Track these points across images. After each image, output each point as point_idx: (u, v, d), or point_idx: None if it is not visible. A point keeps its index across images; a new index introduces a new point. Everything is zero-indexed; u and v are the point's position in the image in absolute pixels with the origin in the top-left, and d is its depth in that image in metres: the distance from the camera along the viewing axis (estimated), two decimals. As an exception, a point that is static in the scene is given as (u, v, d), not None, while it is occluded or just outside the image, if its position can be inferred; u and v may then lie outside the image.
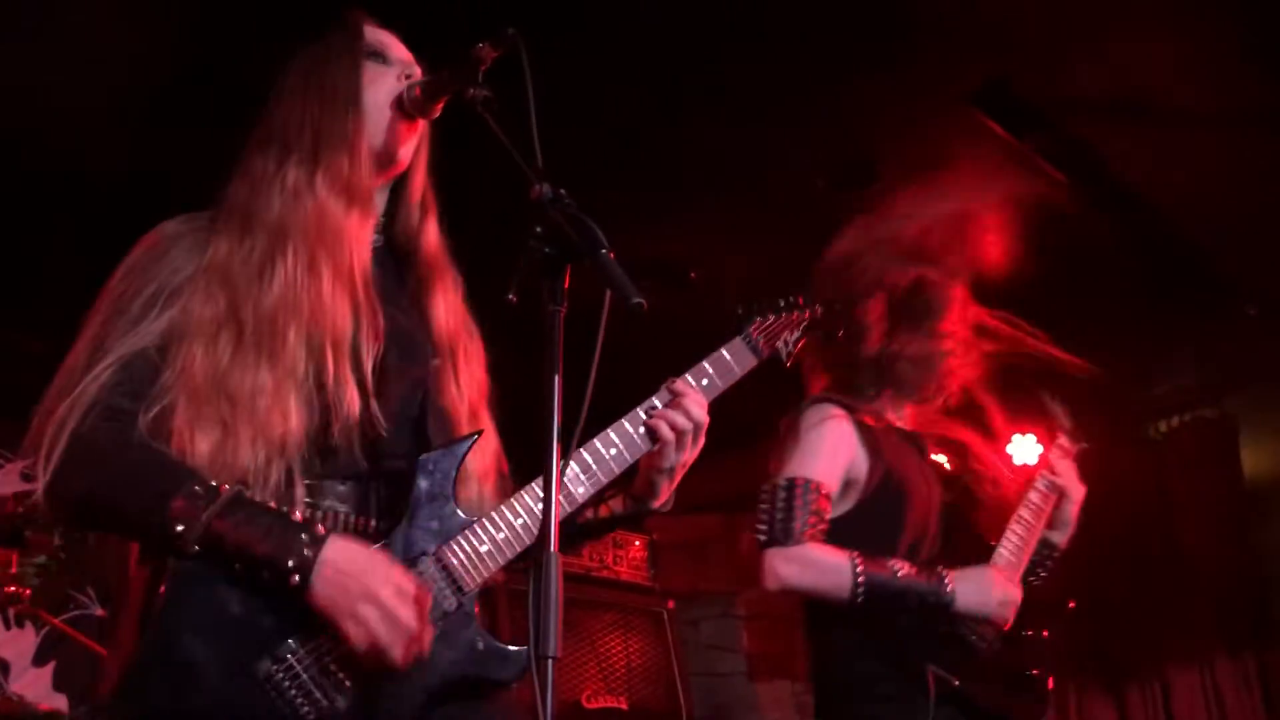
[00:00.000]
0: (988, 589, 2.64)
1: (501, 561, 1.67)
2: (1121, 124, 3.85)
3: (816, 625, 2.77)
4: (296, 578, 1.50)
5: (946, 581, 2.60)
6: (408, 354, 1.78)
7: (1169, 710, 5.31)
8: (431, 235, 1.91)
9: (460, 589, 1.64)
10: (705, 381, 1.92)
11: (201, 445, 1.57)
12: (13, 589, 3.15)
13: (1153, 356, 5.39)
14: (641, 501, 1.89)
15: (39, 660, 4.38)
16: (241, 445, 1.57)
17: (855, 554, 2.57)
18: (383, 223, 1.89)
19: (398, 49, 1.90)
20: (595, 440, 1.78)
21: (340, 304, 1.67)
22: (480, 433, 1.77)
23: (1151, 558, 5.51)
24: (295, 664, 1.53)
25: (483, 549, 1.66)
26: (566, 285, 1.47)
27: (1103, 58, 3.56)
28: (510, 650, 1.65)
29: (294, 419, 1.59)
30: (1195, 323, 5.06)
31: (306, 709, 1.52)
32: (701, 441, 1.84)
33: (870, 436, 2.77)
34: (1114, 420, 5.75)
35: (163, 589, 1.51)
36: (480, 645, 1.64)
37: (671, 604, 5.20)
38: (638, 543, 5.30)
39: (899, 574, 2.58)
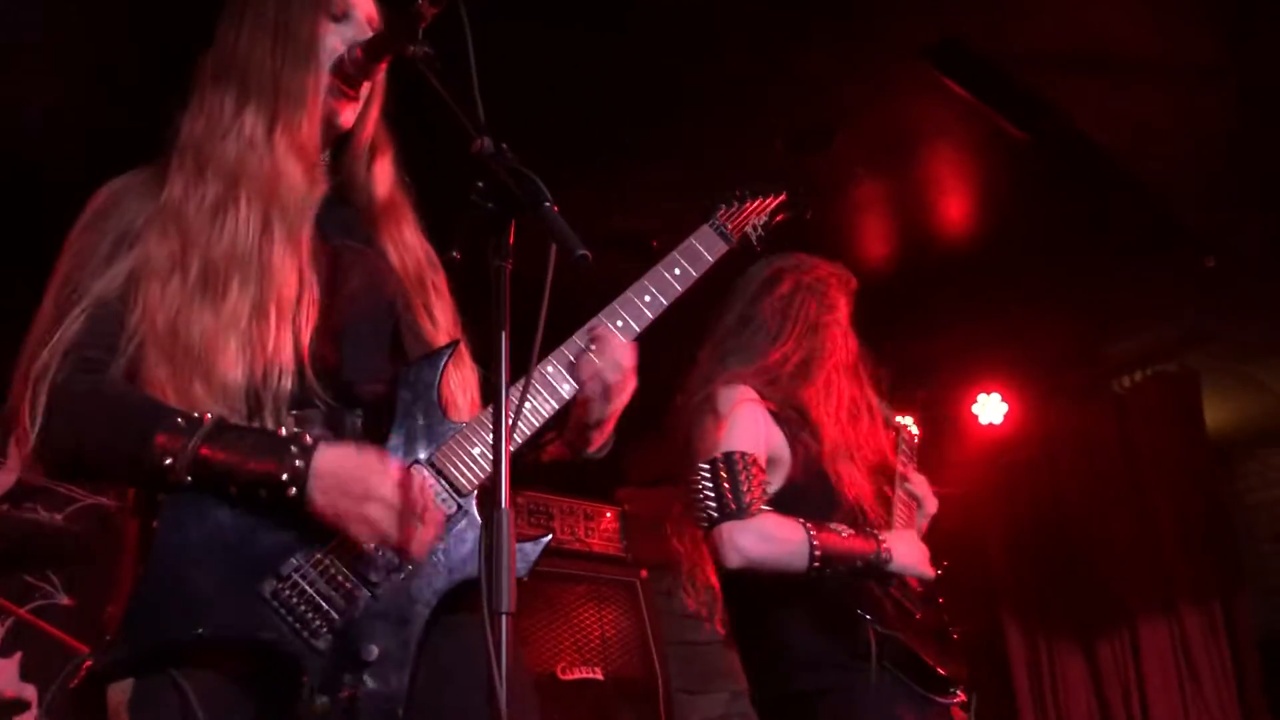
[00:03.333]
0: (916, 546, 2.71)
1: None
2: (1079, 77, 3.85)
3: (751, 601, 2.73)
4: (293, 489, 1.50)
5: (882, 540, 2.63)
6: (370, 281, 1.78)
7: (1138, 660, 5.39)
8: (383, 175, 1.90)
9: (458, 491, 1.64)
10: (678, 271, 1.93)
11: (168, 389, 1.57)
12: (-31, 577, 3.11)
13: (1114, 312, 5.42)
14: (577, 449, 1.88)
15: (4, 651, 4.33)
16: (195, 387, 1.57)
17: (805, 521, 2.56)
18: (329, 165, 1.87)
19: (363, 6, 1.87)
20: (573, 336, 1.79)
21: (288, 269, 1.66)
22: (458, 342, 1.77)
23: (1117, 511, 5.58)
24: (299, 579, 1.53)
25: (474, 450, 1.66)
26: (511, 240, 1.45)
27: (1059, 10, 3.55)
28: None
29: (238, 367, 1.59)
30: (1156, 277, 5.09)
31: (318, 622, 1.51)
32: (631, 386, 1.80)
33: (784, 416, 2.77)
34: (1077, 376, 5.80)
35: (155, 523, 1.50)
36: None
37: (645, 573, 5.21)
38: (609, 514, 5.30)
39: (844, 537, 2.59)
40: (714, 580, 2.79)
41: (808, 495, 2.69)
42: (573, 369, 1.77)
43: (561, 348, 1.79)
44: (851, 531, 2.61)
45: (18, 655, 4.35)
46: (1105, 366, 5.83)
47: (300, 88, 1.76)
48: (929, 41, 3.67)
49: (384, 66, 1.84)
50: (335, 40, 1.81)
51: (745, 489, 2.55)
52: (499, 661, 1.25)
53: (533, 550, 1.67)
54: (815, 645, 2.61)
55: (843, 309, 2.97)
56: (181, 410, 1.54)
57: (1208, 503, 5.55)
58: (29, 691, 3.96)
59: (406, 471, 1.57)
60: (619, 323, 1.84)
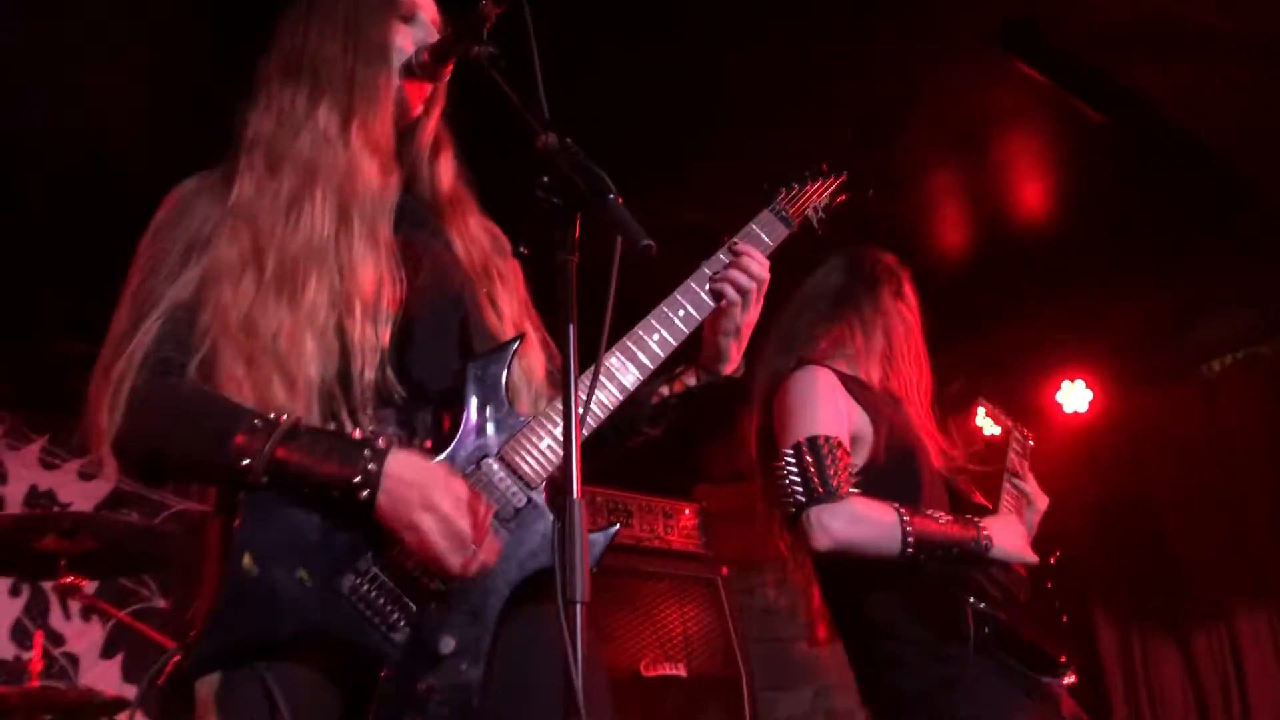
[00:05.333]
0: (1019, 533, 2.66)
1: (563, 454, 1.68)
2: (1153, 56, 3.76)
3: (847, 591, 2.70)
4: (365, 492, 1.52)
5: (982, 528, 2.58)
6: (438, 276, 1.80)
7: (1237, 655, 5.22)
8: (446, 170, 1.93)
9: (528, 485, 1.65)
10: None
11: (245, 386, 1.59)
12: (70, 579, 3.22)
13: (1201, 294, 5.27)
14: (712, 370, 1.93)
15: (107, 653, 4.49)
16: (272, 385, 1.59)
17: (898, 505, 2.52)
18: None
19: (428, 9, 1.90)
20: (636, 328, 1.81)
21: (367, 264, 1.69)
22: (523, 335, 1.79)
23: (1207, 499, 5.42)
24: (379, 573, 1.55)
25: (543, 444, 1.67)
26: (578, 234, 1.47)
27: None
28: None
29: (313, 364, 1.61)
30: (1245, 258, 4.94)
31: (395, 616, 1.54)
32: (761, 302, 1.90)
33: (864, 395, 2.75)
34: (1164, 360, 5.65)
35: (236, 522, 1.53)
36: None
37: (725, 570, 5.20)
38: (688, 511, 5.30)
39: (941, 523, 2.54)
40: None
41: (891, 472, 2.66)
42: (639, 357, 1.79)
43: (626, 338, 1.80)
44: (950, 518, 2.57)
45: (119, 656, 4.51)
46: (1193, 350, 5.66)
47: (374, 84, 1.78)
48: (999, 24, 3.61)
49: (450, 68, 1.86)
50: (405, 40, 1.84)
51: (831, 472, 2.51)
52: (574, 650, 1.26)
53: (601, 540, 1.68)
54: (915, 632, 2.56)
55: (908, 293, 2.96)
56: (259, 411, 1.56)
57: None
58: (130, 691, 4.10)
59: (474, 493, 1.58)
60: (680, 313, 1.84)
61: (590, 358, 1.50)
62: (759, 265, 1.88)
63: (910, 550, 2.48)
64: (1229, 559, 5.29)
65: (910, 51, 3.72)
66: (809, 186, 2.14)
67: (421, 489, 1.53)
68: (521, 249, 1.53)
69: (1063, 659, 2.59)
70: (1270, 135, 4.18)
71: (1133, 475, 5.72)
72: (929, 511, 2.57)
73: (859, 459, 2.68)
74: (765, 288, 1.90)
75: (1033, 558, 2.66)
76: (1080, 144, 4.23)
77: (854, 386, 2.75)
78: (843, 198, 2.22)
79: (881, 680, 2.64)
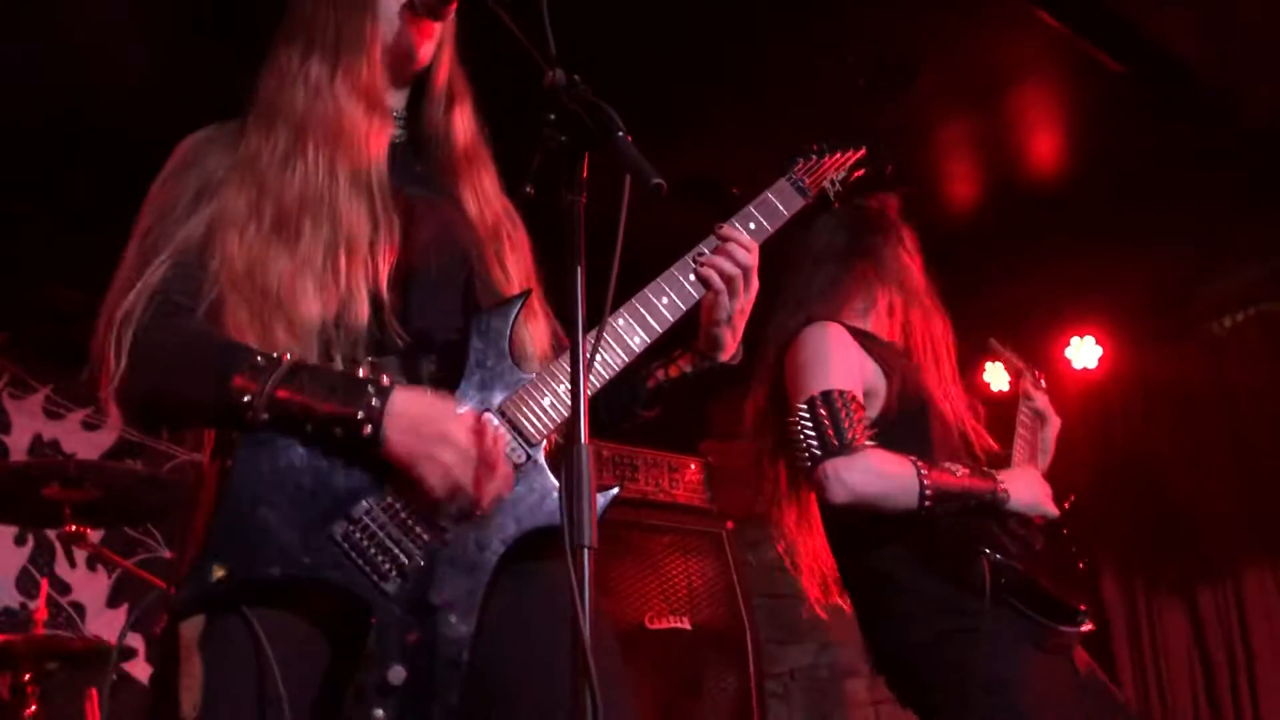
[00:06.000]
0: (1036, 484, 2.65)
1: (565, 412, 1.67)
2: (1182, 3, 3.68)
3: (856, 546, 2.69)
4: (369, 428, 1.52)
5: (1000, 480, 2.57)
6: (444, 231, 1.79)
7: (1242, 610, 5.23)
8: (461, 125, 1.91)
9: (528, 441, 1.64)
10: (753, 225, 1.92)
11: (249, 333, 1.59)
12: (74, 528, 3.21)
13: (1213, 250, 5.21)
14: (708, 357, 1.90)
15: (112, 602, 4.50)
16: (275, 330, 1.59)
17: (914, 458, 2.50)
18: (405, 117, 1.90)
19: None
20: (645, 290, 1.79)
21: (357, 210, 1.69)
22: (529, 292, 1.78)
23: (1217, 456, 5.39)
24: (370, 522, 1.54)
25: (544, 401, 1.67)
26: (585, 174, 1.43)
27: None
28: None
29: (314, 306, 1.61)
30: (1258, 214, 4.88)
31: (387, 565, 1.53)
32: (755, 286, 1.86)
33: (875, 348, 2.73)
34: (1174, 317, 5.61)
35: (229, 463, 1.52)
36: (555, 495, 1.64)
37: (730, 524, 5.20)
38: (693, 466, 5.30)
39: (959, 475, 2.53)
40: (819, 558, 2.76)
41: (904, 425, 2.64)
42: (646, 319, 1.76)
43: (635, 299, 1.78)
44: (966, 470, 2.56)
45: (125, 606, 4.53)
46: (1203, 307, 5.62)
47: (357, 32, 1.79)
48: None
49: (454, 5, 1.82)
50: None
51: (847, 425, 2.50)
52: (581, 595, 1.24)
53: (601, 501, 1.65)
54: (927, 585, 2.54)
55: (909, 238, 2.93)
56: (260, 351, 1.56)
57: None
58: (136, 641, 4.11)
59: (480, 421, 1.57)
60: (692, 276, 1.83)
61: (597, 309, 1.48)
62: (745, 251, 1.83)
63: (929, 503, 2.47)
64: (1236, 516, 5.28)
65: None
66: (827, 159, 2.11)
67: (433, 422, 1.53)
68: (528, 188, 1.50)
69: (1081, 607, 2.55)
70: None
71: (1141, 432, 5.70)
72: (946, 465, 2.55)
73: (872, 412, 2.66)
74: (754, 275, 1.85)
75: (1052, 510, 2.65)
76: (1097, 96, 4.15)
77: (865, 340, 2.73)
78: (860, 172, 2.19)
79: (891, 635, 2.63)
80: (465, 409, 1.59)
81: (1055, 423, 2.93)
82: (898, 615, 2.59)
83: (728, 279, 1.81)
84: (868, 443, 2.53)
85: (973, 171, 4.73)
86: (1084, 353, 5.65)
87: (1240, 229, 4.99)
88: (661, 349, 1.85)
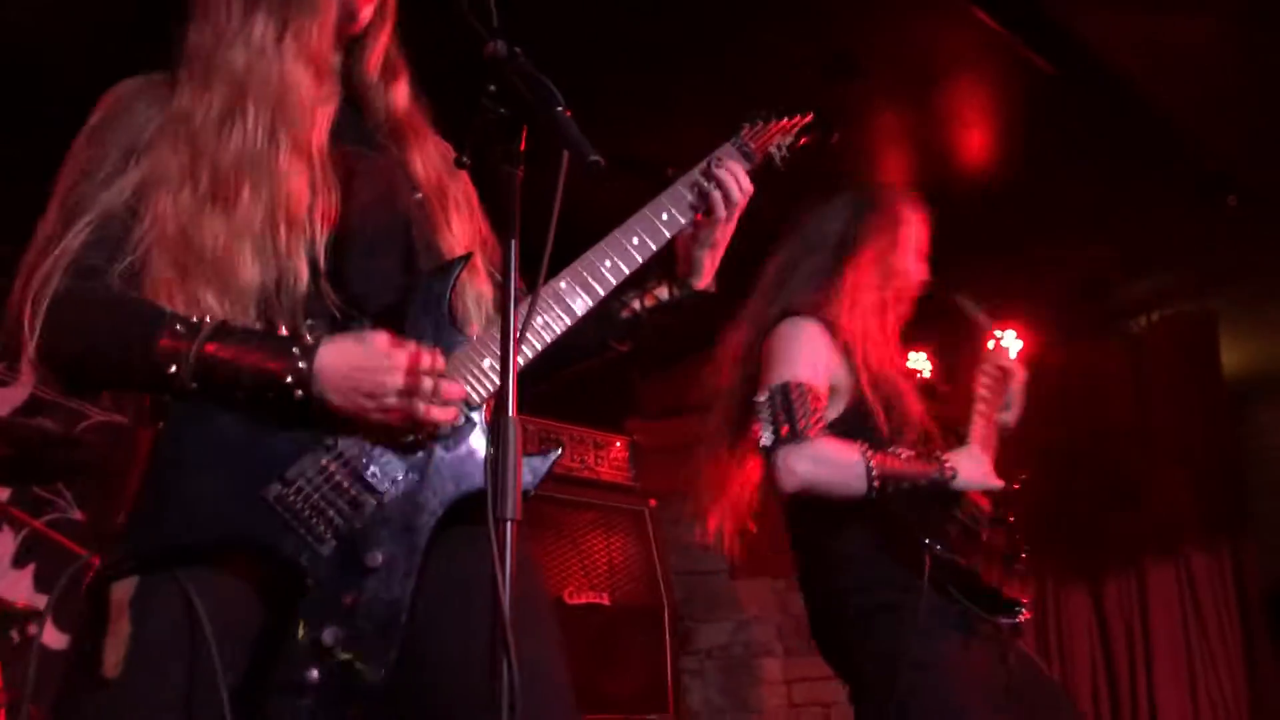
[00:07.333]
0: (981, 461, 2.73)
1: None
2: (1111, 8, 3.75)
3: (809, 530, 2.78)
4: (299, 392, 1.51)
5: (945, 460, 2.66)
6: (387, 193, 1.76)
7: (1144, 601, 5.40)
8: (399, 98, 1.88)
9: (467, 404, 1.64)
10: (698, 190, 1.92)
11: (176, 294, 1.56)
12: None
13: (1134, 250, 5.35)
14: (685, 284, 1.93)
15: (18, 562, 4.39)
16: (205, 294, 1.56)
17: (862, 445, 2.59)
18: (343, 76, 1.85)
19: None
20: (614, 231, 1.80)
21: (297, 176, 1.65)
22: (470, 256, 1.76)
23: (1128, 452, 5.55)
24: (305, 484, 1.53)
25: (484, 363, 1.65)
26: (523, 146, 1.43)
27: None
28: (524, 460, 1.60)
29: (252, 272, 1.59)
30: (1177, 216, 5.01)
31: (321, 528, 1.52)
32: (737, 218, 1.89)
33: (848, 344, 2.79)
34: (1093, 313, 5.75)
35: (161, 427, 1.51)
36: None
37: (653, 502, 5.24)
38: (618, 444, 5.32)
39: (903, 459, 2.62)
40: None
41: (871, 417, 2.71)
42: (590, 284, 1.75)
43: (577, 263, 1.77)
44: (912, 454, 2.65)
45: (31, 566, 4.41)
46: (1122, 305, 5.77)
47: None
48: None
49: None
50: None
51: (800, 414, 2.58)
52: (502, 566, 1.25)
53: (541, 464, 1.66)
54: (869, 570, 2.64)
55: (905, 234, 2.98)
56: (182, 315, 1.53)
57: (1219, 446, 5.51)
58: (42, 602, 4.02)
59: (414, 353, 1.55)
60: (634, 240, 1.81)
61: (533, 283, 1.48)
62: (747, 180, 1.89)
63: (876, 487, 2.55)
64: (1144, 512, 5.45)
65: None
66: (773, 124, 2.10)
67: (368, 374, 1.52)
68: (464, 159, 1.49)
69: (1021, 599, 2.68)
70: (1216, 97, 4.22)
71: (1056, 427, 5.84)
72: (892, 449, 2.63)
73: (836, 407, 2.75)
74: (742, 208, 1.90)
75: (997, 482, 2.73)
76: (1028, 96, 4.23)
77: (839, 335, 2.79)
78: (806, 139, 2.20)
79: (830, 605, 2.73)
80: (397, 349, 1.56)
81: (1020, 374, 3.02)
82: (839, 589, 2.70)
83: (730, 202, 1.86)
84: (823, 433, 2.61)
85: (905, 162, 4.79)
86: (1006, 346, 5.76)
87: (1159, 233, 5.13)
88: (633, 281, 1.84)
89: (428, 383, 1.54)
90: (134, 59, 1.78)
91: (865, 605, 2.63)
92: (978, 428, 2.84)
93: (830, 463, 2.57)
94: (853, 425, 2.71)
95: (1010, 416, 3.03)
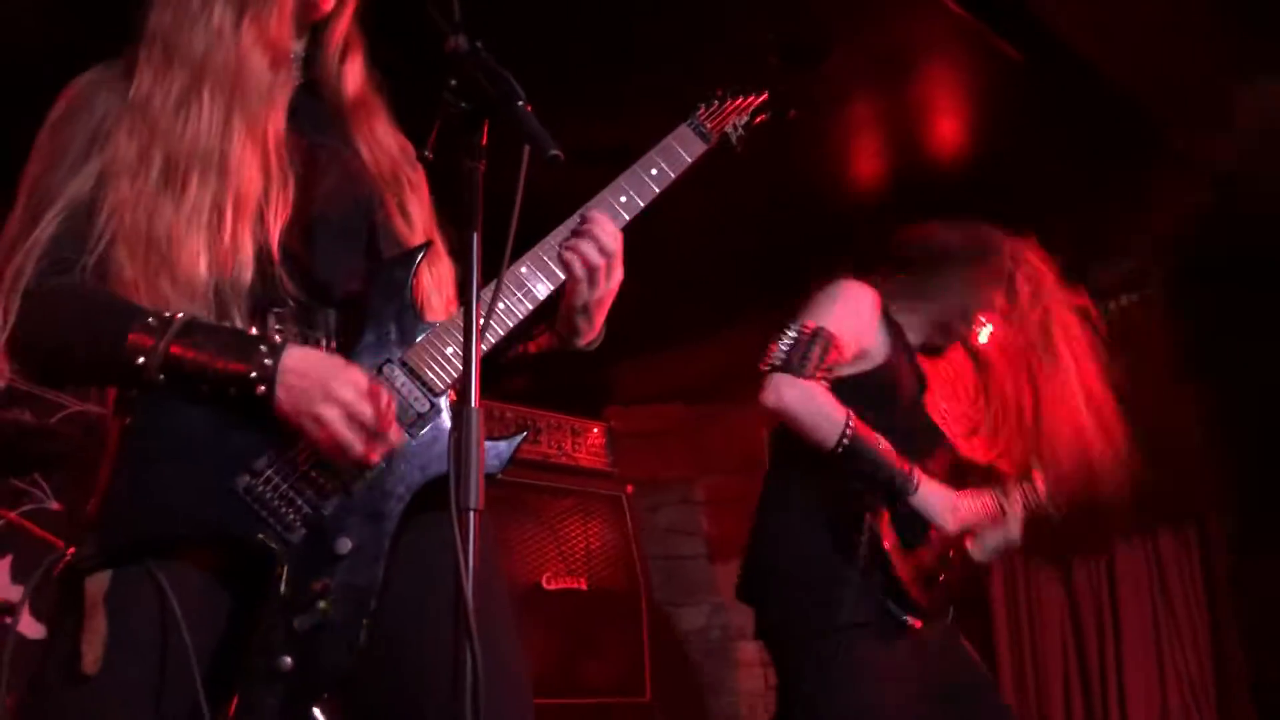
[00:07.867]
0: (950, 502, 2.78)
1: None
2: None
3: (780, 479, 2.90)
4: (262, 387, 1.52)
5: (917, 475, 2.73)
6: (345, 181, 1.78)
7: (1113, 579, 5.47)
8: (353, 76, 1.88)
9: (431, 391, 1.65)
10: (655, 171, 1.90)
11: (139, 287, 1.58)
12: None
13: (1099, 240, 5.40)
14: (567, 340, 1.86)
15: (-6, 554, 4.38)
16: (163, 284, 1.58)
17: (851, 411, 2.68)
18: (303, 63, 1.86)
19: None
20: (576, 214, 1.78)
21: (250, 164, 1.65)
22: (430, 243, 1.77)
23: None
24: (273, 474, 1.55)
25: (448, 350, 1.67)
26: (484, 141, 1.45)
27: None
28: (488, 444, 1.65)
29: (202, 262, 1.59)
30: (1142, 206, 5.07)
31: (291, 516, 1.54)
32: (618, 273, 1.78)
33: (893, 326, 2.92)
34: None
35: (129, 421, 1.52)
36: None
37: (630, 488, 5.27)
38: (596, 430, 5.34)
39: (881, 447, 2.70)
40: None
41: (890, 390, 2.85)
42: (550, 267, 1.76)
43: (538, 247, 1.78)
44: (891, 449, 2.71)
45: (8, 558, 4.41)
46: (1091, 290, 5.81)
47: None
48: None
49: None
50: None
51: (814, 356, 2.68)
52: (465, 556, 1.28)
53: (506, 448, 1.69)
54: (811, 534, 2.75)
55: (1035, 314, 3.16)
56: (153, 310, 1.55)
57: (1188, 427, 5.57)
58: (17, 594, 4.02)
59: (368, 378, 1.57)
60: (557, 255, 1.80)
61: (496, 270, 1.50)
62: (610, 236, 1.75)
63: (843, 447, 2.62)
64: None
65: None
66: (729, 103, 2.11)
67: (321, 381, 1.52)
68: (427, 153, 1.51)
69: (924, 607, 2.76)
70: (1179, 84, 4.27)
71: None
72: (876, 434, 2.71)
73: (858, 367, 2.85)
74: (618, 261, 1.77)
75: (949, 525, 2.78)
76: (997, 84, 4.26)
77: (891, 321, 2.94)
78: (762, 117, 2.21)
79: (760, 557, 2.86)
80: (357, 368, 1.58)
81: (1014, 536, 2.98)
82: (773, 541, 2.84)
83: (590, 268, 1.74)
84: (822, 381, 2.71)
85: (877, 149, 4.82)
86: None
87: (1125, 220, 5.18)
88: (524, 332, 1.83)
89: (377, 410, 1.54)
90: (98, 50, 1.78)
91: (786, 561, 2.77)
92: (974, 494, 2.90)
93: (816, 406, 2.66)
94: (869, 390, 2.81)
95: (982, 556, 3.03)
